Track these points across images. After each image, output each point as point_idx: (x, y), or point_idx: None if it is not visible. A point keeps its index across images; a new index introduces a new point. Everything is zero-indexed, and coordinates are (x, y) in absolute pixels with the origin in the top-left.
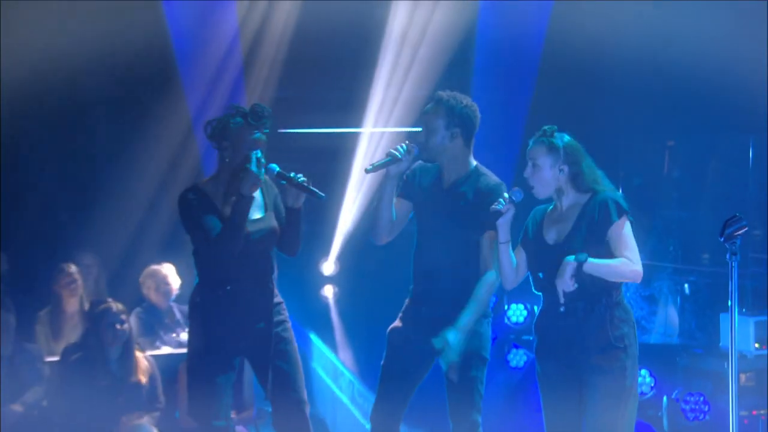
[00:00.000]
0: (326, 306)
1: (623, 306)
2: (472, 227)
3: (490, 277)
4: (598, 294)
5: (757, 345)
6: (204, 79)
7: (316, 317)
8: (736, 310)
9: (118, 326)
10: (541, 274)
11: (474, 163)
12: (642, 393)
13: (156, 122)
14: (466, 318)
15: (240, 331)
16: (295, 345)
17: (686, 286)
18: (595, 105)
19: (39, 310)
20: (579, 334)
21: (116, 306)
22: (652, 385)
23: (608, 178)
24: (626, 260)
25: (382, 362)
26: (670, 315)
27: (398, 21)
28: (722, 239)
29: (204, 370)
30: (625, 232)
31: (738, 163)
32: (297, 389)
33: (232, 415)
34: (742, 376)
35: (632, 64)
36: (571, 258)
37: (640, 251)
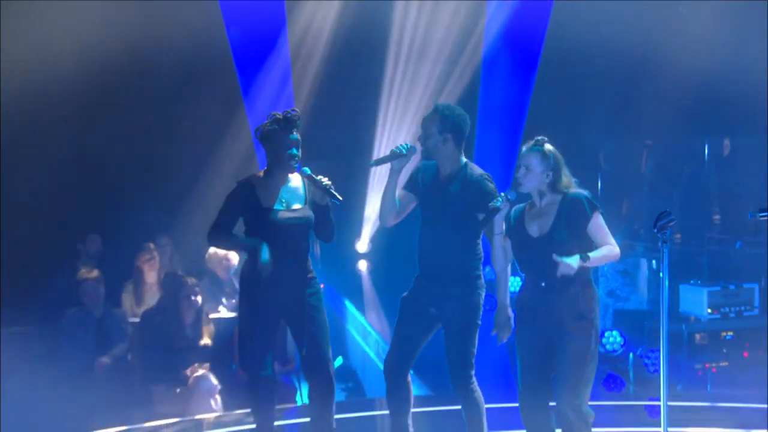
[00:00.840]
0: (359, 277)
1: (591, 285)
2: (462, 212)
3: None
4: (573, 275)
5: (709, 310)
6: (256, 70)
7: (350, 287)
8: (667, 285)
9: (192, 298)
10: (525, 260)
11: (464, 160)
12: (614, 350)
13: (215, 109)
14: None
15: (280, 299)
16: (324, 311)
17: (654, 261)
18: (582, 106)
19: (125, 281)
20: (556, 307)
21: (191, 281)
22: (622, 344)
23: (590, 169)
24: (610, 246)
25: (395, 323)
26: (640, 286)
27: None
28: (655, 230)
29: (251, 330)
30: (600, 223)
31: (700, 161)
32: (323, 349)
33: (276, 367)
34: (697, 336)
35: (617, 67)
36: (575, 258)
37: (617, 233)
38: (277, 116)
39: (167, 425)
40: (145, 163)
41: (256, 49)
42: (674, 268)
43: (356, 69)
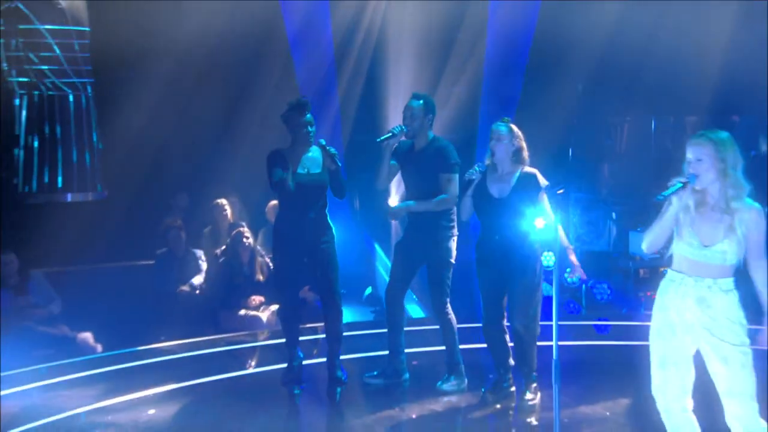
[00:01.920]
0: (389, 226)
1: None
2: (431, 173)
3: (441, 197)
4: (523, 233)
5: (646, 249)
6: (309, 59)
7: (381, 234)
8: (559, 248)
9: (246, 243)
10: (485, 216)
11: (432, 134)
12: (573, 282)
13: (271, 92)
14: (412, 205)
15: (301, 243)
16: (335, 253)
17: (613, 214)
18: (559, 92)
19: (203, 228)
20: (510, 253)
21: (245, 230)
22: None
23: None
24: (548, 213)
25: (392, 262)
26: (602, 233)
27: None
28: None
29: (280, 267)
30: (545, 196)
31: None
32: (333, 281)
33: (304, 292)
34: (641, 271)
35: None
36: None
37: (590, 194)
38: (293, 103)
39: (229, 338)
40: (223, 134)
41: (306, 33)
42: (629, 218)
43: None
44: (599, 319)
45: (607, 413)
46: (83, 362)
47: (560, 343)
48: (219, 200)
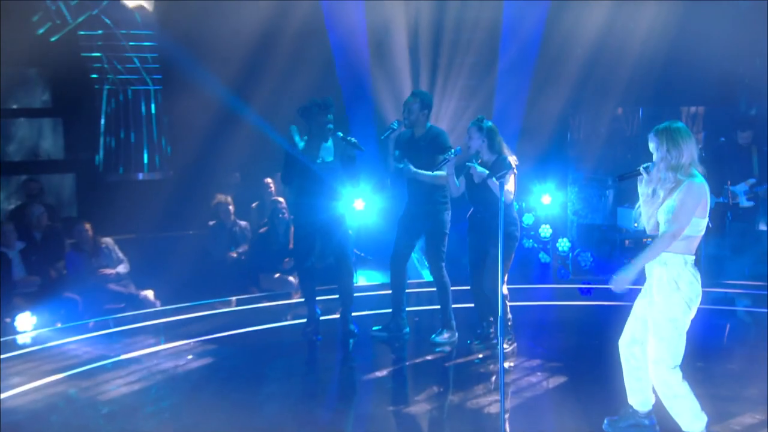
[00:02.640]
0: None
1: (513, 215)
2: (427, 158)
3: (437, 173)
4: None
5: (635, 224)
6: (349, 56)
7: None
8: (502, 229)
9: (281, 215)
10: (472, 195)
11: (429, 124)
12: (563, 251)
13: (313, 85)
14: (417, 172)
15: (315, 219)
16: (344, 227)
17: (607, 192)
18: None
19: (252, 203)
20: (491, 227)
21: (282, 204)
22: (570, 246)
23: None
24: (510, 191)
25: (395, 233)
26: (596, 208)
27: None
28: (495, 179)
29: (297, 239)
30: (513, 177)
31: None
32: (345, 252)
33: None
34: (627, 241)
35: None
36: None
37: (587, 174)
38: (319, 101)
39: (265, 296)
40: (270, 122)
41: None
42: (616, 197)
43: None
44: (583, 283)
45: (561, 363)
46: (144, 314)
47: (554, 303)
48: (266, 179)
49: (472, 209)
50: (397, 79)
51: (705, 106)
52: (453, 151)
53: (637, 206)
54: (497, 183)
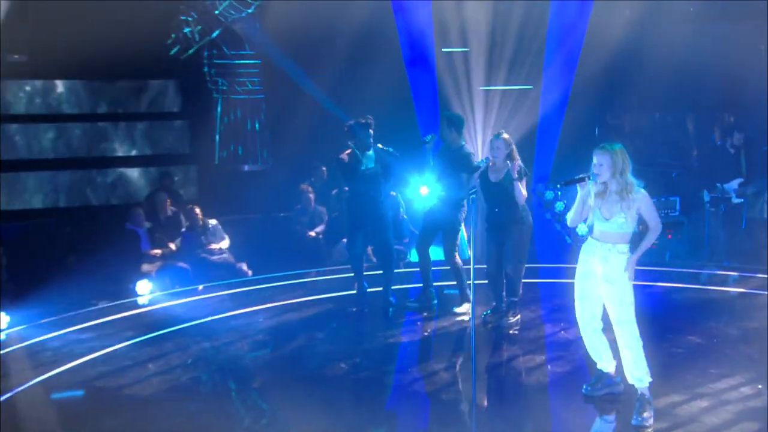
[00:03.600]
0: None
1: (525, 208)
2: (452, 169)
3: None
4: (515, 204)
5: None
6: (416, 54)
7: None
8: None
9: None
10: (487, 194)
11: (462, 143)
12: (582, 235)
13: (384, 83)
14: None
15: (363, 214)
16: (388, 221)
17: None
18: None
19: (332, 190)
20: (504, 219)
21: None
22: (587, 231)
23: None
24: (524, 193)
25: (421, 226)
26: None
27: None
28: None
29: (348, 230)
30: (523, 181)
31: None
32: (387, 242)
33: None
34: (641, 226)
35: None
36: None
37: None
38: (361, 121)
39: (335, 270)
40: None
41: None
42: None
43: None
44: None
45: (555, 332)
46: (238, 282)
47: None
48: (318, 165)
49: (487, 208)
50: (457, 74)
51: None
52: (484, 161)
53: (574, 207)
54: (521, 183)
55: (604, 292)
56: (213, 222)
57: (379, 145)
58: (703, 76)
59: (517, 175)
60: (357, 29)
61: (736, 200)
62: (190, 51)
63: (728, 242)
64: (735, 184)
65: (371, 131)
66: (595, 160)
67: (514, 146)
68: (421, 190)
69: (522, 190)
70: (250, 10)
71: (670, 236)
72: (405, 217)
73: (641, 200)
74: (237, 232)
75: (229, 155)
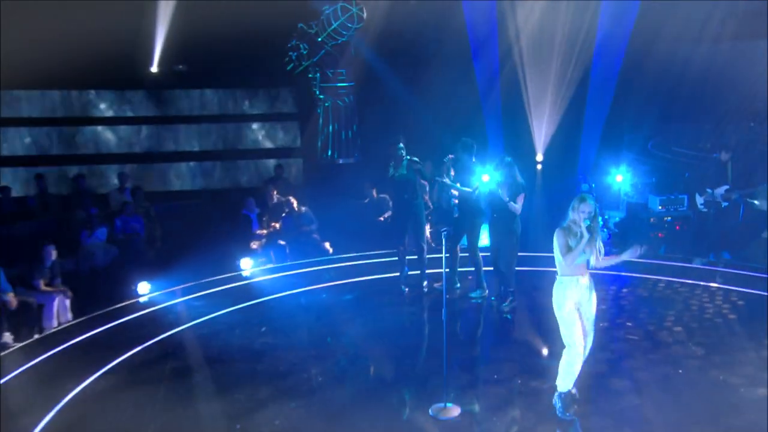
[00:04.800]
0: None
1: (516, 218)
2: (468, 183)
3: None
4: (510, 213)
5: (660, 207)
6: (486, 58)
7: None
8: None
9: None
10: (492, 206)
11: (472, 161)
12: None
13: (453, 84)
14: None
15: (402, 214)
16: (422, 220)
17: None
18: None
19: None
20: (499, 224)
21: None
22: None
23: None
24: (518, 206)
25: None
26: (642, 191)
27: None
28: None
29: (393, 224)
30: (522, 195)
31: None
32: (420, 237)
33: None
34: (652, 219)
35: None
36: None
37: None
38: (392, 140)
39: (389, 253)
40: (431, 120)
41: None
42: (650, 186)
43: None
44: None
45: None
46: (321, 260)
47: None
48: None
49: (489, 213)
50: (520, 75)
51: None
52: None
53: (579, 249)
54: (514, 203)
55: (591, 314)
56: (305, 209)
57: (408, 157)
58: (718, 90)
59: (507, 199)
60: (428, 35)
61: (723, 204)
62: (300, 68)
63: (719, 237)
64: (722, 189)
65: (401, 146)
66: (584, 208)
67: (515, 167)
68: (483, 177)
69: (515, 206)
70: (344, 39)
71: (678, 227)
72: (456, 201)
73: (600, 245)
74: (326, 215)
75: (328, 150)
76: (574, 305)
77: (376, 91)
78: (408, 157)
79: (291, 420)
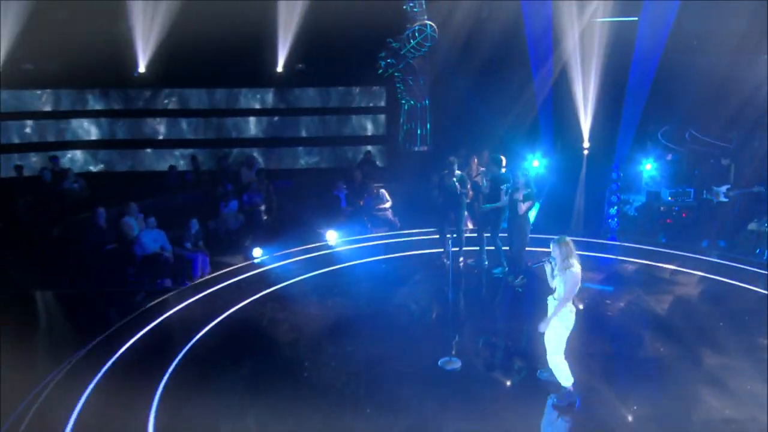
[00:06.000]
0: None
1: (524, 216)
2: (497, 189)
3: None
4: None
5: (670, 198)
6: (542, 62)
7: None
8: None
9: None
10: (509, 205)
11: (501, 172)
12: (612, 213)
13: (511, 88)
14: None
15: (447, 210)
16: (463, 212)
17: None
18: None
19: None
20: (514, 216)
21: (477, 176)
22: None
23: None
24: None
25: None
26: (660, 182)
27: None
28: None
29: (439, 213)
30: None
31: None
32: (459, 224)
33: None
34: (662, 207)
35: None
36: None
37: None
38: (449, 159)
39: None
40: (497, 114)
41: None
42: (667, 179)
43: None
44: (611, 239)
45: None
46: (389, 234)
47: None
48: (473, 158)
49: (509, 210)
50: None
51: None
52: (506, 186)
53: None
54: (523, 204)
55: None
56: (382, 190)
57: (458, 171)
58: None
59: (522, 198)
60: (492, 46)
61: (723, 199)
62: (387, 74)
63: (718, 226)
64: (724, 188)
65: (453, 160)
66: (554, 251)
67: (531, 180)
68: (534, 163)
69: (521, 207)
70: (421, 53)
71: (684, 215)
72: (485, 183)
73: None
74: (397, 195)
75: (406, 139)
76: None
77: (447, 96)
78: (457, 172)
79: (338, 356)
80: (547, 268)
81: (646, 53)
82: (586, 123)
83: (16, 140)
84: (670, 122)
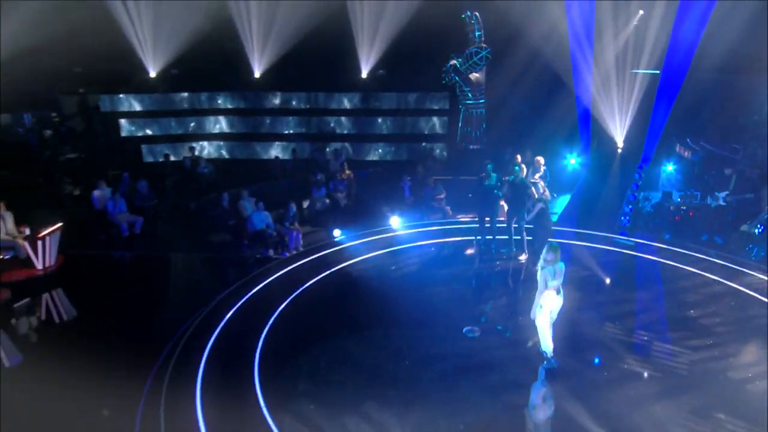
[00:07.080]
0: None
1: (549, 213)
2: (517, 191)
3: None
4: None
5: (680, 199)
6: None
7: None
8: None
9: (509, 177)
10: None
11: (515, 174)
12: (626, 209)
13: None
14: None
15: (485, 207)
16: (497, 209)
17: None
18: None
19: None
20: (539, 215)
21: (523, 170)
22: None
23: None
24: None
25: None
26: (673, 183)
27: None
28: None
29: (480, 213)
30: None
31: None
32: (494, 219)
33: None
34: (671, 207)
35: None
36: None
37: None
38: (486, 161)
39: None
40: (535, 116)
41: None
42: (680, 180)
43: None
44: (621, 234)
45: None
46: (441, 221)
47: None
48: (516, 156)
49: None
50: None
51: None
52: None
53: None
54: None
55: (556, 305)
56: (437, 181)
57: (495, 174)
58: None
59: (536, 195)
60: (538, 59)
61: (723, 203)
62: (450, 83)
63: (718, 225)
64: (723, 194)
65: (490, 164)
66: (550, 256)
67: (539, 187)
68: (571, 160)
69: (533, 211)
70: (478, 70)
71: (691, 214)
72: (512, 176)
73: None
74: (449, 188)
75: (463, 138)
76: (552, 299)
77: (501, 106)
78: (494, 174)
79: (388, 320)
80: (547, 272)
81: (674, 69)
82: (622, 126)
83: (175, 131)
84: (688, 132)
